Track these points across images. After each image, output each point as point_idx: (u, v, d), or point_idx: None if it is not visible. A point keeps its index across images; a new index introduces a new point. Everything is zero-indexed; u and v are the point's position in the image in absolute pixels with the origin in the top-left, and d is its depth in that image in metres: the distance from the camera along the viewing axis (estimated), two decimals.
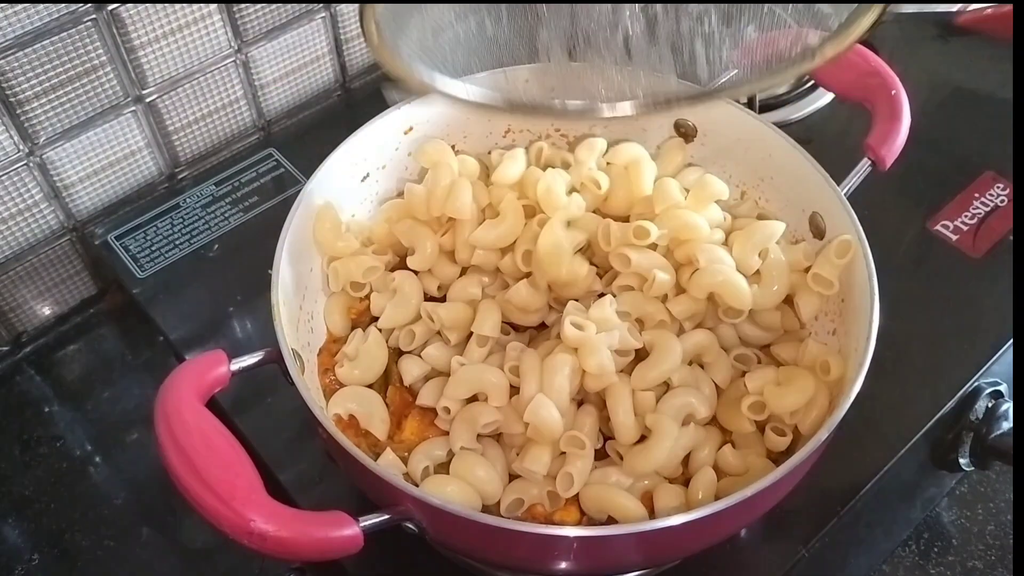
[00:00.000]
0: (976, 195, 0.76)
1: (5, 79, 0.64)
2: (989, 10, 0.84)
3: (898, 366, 0.64)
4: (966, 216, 0.75)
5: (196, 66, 0.74)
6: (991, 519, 0.71)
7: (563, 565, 0.47)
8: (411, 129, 0.62)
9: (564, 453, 0.51)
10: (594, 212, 0.59)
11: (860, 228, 0.54)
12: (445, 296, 0.59)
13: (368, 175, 0.62)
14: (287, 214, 0.55)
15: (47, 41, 0.64)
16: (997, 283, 0.70)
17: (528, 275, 0.57)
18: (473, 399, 0.53)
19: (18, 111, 0.66)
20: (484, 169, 0.63)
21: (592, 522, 0.51)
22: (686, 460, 0.53)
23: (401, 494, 0.44)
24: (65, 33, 0.65)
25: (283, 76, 0.81)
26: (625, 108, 0.44)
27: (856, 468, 0.60)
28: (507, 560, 0.51)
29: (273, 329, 0.49)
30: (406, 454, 0.53)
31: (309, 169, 0.58)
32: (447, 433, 0.53)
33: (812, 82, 0.83)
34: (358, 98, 0.87)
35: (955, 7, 0.87)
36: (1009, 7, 0.79)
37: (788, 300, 0.57)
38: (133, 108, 0.72)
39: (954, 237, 0.73)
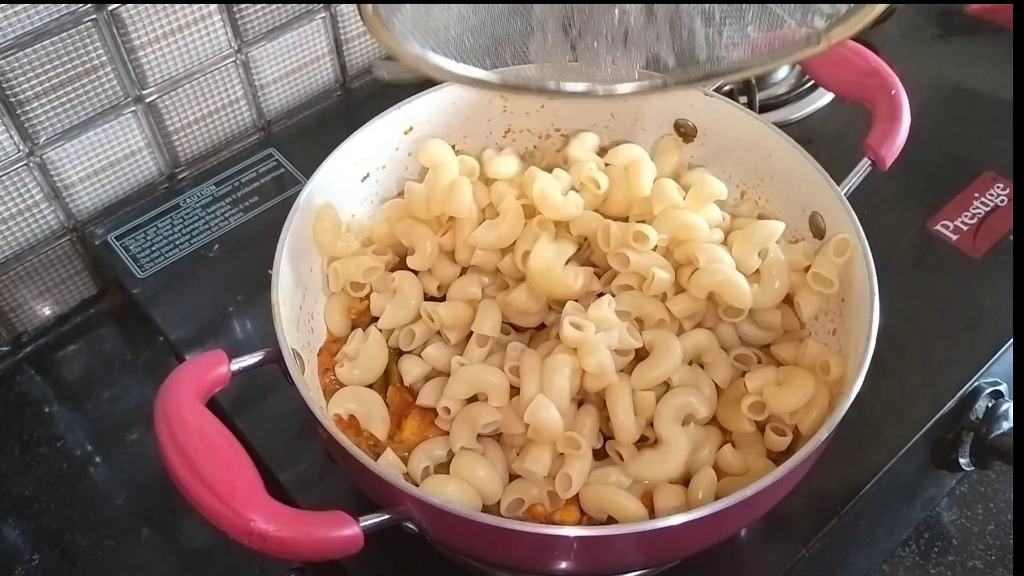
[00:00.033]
0: (976, 195, 0.76)
1: (5, 79, 0.64)
2: None
3: (898, 366, 0.64)
4: (966, 216, 0.75)
5: (196, 66, 0.74)
6: (991, 519, 0.71)
7: (563, 565, 0.47)
8: (411, 129, 0.62)
9: (564, 454, 0.51)
10: (593, 212, 0.59)
11: (860, 228, 0.54)
12: (445, 296, 0.59)
13: (368, 175, 0.62)
14: (287, 214, 0.55)
15: (47, 41, 0.64)
16: (997, 283, 0.70)
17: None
18: (473, 399, 0.53)
19: (18, 111, 0.66)
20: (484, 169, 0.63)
21: (592, 522, 0.51)
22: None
23: (401, 494, 0.44)
24: (65, 33, 0.65)
25: (283, 76, 0.81)
26: (622, 89, 0.44)
27: (856, 468, 0.60)
28: (507, 560, 0.51)
29: (273, 329, 0.49)
30: (406, 454, 0.53)
31: (309, 169, 0.58)
32: (447, 433, 0.53)
33: (812, 82, 0.83)
34: (358, 98, 0.87)
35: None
36: None
37: (788, 300, 0.57)
38: (133, 108, 0.72)
39: (954, 237, 0.73)
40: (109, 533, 0.64)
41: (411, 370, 0.56)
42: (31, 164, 0.69)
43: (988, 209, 0.75)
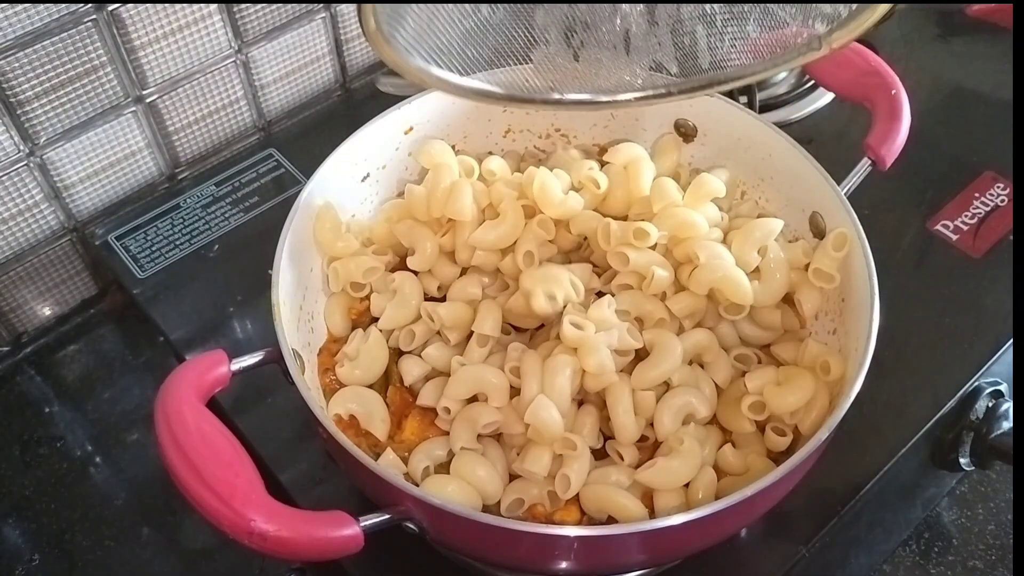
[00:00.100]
0: (976, 195, 0.76)
1: (5, 79, 0.64)
2: None
3: (898, 366, 0.64)
4: (966, 216, 0.75)
5: (196, 66, 0.74)
6: (991, 519, 0.71)
7: (563, 565, 0.47)
8: (411, 129, 0.62)
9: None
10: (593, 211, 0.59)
11: (860, 228, 0.54)
12: (445, 296, 0.59)
13: (368, 175, 0.62)
14: (287, 214, 0.55)
15: (47, 41, 0.64)
16: (997, 283, 0.70)
17: None
18: (473, 399, 0.53)
19: (18, 111, 0.66)
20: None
21: (592, 522, 0.51)
22: None
23: (401, 494, 0.44)
24: (65, 33, 0.65)
25: (283, 76, 0.81)
26: (625, 97, 0.44)
27: (856, 468, 0.60)
28: (507, 560, 0.51)
29: (273, 329, 0.49)
30: (406, 454, 0.53)
31: (309, 169, 0.58)
32: (447, 433, 0.53)
33: (812, 82, 0.83)
34: (358, 98, 0.87)
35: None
36: None
37: (788, 300, 0.58)
38: (133, 108, 0.72)
39: (954, 237, 0.73)
40: (109, 533, 0.64)
41: (411, 370, 0.56)
42: (31, 164, 0.69)
43: (988, 209, 0.75)
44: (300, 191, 0.56)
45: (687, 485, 0.51)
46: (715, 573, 0.56)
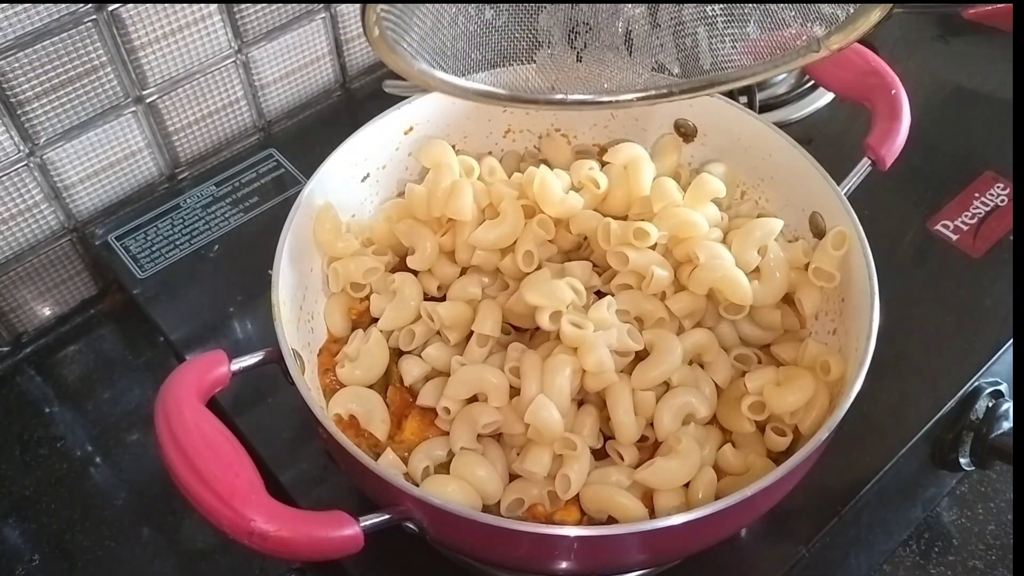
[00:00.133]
0: (976, 195, 0.76)
1: (5, 79, 0.64)
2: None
3: (898, 366, 0.64)
4: (966, 216, 0.75)
5: (196, 66, 0.74)
6: (992, 519, 0.71)
7: (563, 565, 0.47)
8: (411, 129, 0.62)
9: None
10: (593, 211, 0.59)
11: (860, 227, 0.54)
12: (445, 296, 0.59)
13: (368, 175, 0.62)
14: (287, 214, 0.55)
15: (47, 41, 0.64)
16: (997, 283, 0.70)
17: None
18: (473, 399, 0.53)
19: (18, 111, 0.66)
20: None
21: (592, 522, 0.51)
22: None
23: (401, 494, 0.44)
24: (65, 34, 0.65)
25: (283, 76, 0.81)
26: (626, 99, 0.44)
27: (856, 468, 0.60)
28: (507, 560, 0.51)
29: (273, 329, 0.49)
30: (406, 454, 0.53)
31: (309, 169, 0.58)
32: (447, 433, 0.53)
33: (812, 82, 0.83)
34: (358, 98, 0.87)
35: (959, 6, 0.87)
36: None
37: (788, 300, 0.58)
38: (133, 108, 0.72)
39: (954, 237, 0.73)
40: (109, 533, 0.64)
41: (411, 370, 0.56)
42: (31, 164, 0.69)
43: (988, 209, 0.75)
44: (300, 191, 0.56)
45: (687, 485, 0.51)
46: (715, 573, 0.56)
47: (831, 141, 0.76)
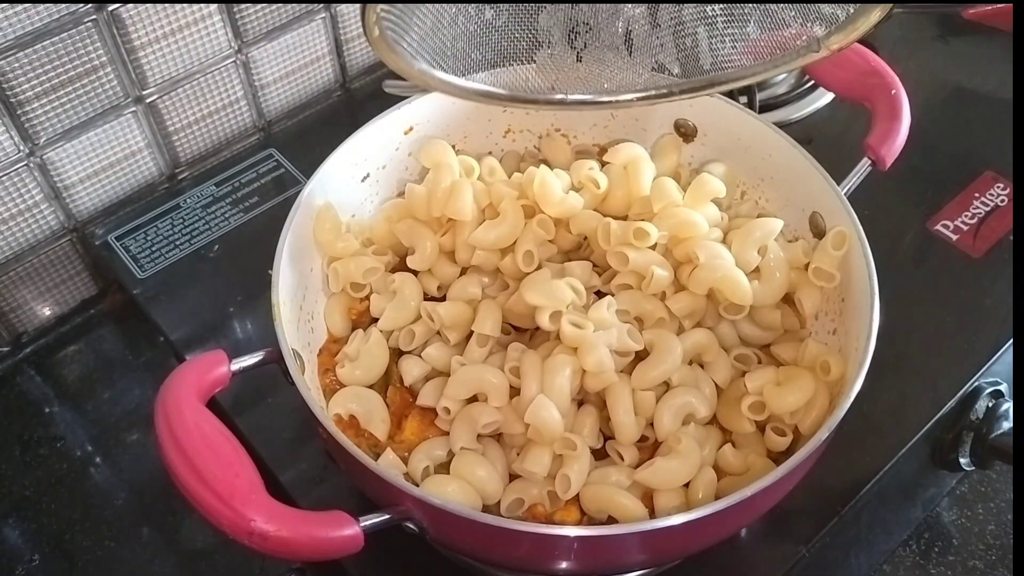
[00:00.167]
0: (976, 195, 0.76)
1: (5, 79, 0.64)
2: None
3: (898, 366, 0.64)
4: (966, 216, 0.75)
5: (196, 66, 0.74)
6: (992, 519, 0.71)
7: (563, 565, 0.47)
8: (411, 129, 0.62)
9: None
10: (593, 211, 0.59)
11: (860, 227, 0.54)
12: (445, 296, 0.59)
13: (368, 175, 0.62)
14: (287, 214, 0.55)
15: (47, 42, 0.64)
16: (997, 283, 0.70)
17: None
18: (473, 399, 0.53)
19: (18, 111, 0.66)
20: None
21: (592, 522, 0.51)
22: None
23: (401, 494, 0.44)
24: (65, 34, 0.65)
25: (283, 76, 0.81)
26: (626, 98, 0.44)
27: (856, 468, 0.60)
28: (507, 560, 0.51)
29: (273, 329, 0.49)
30: (406, 454, 0.53)
31: (309, 169, 0.58)
32: (447, 433, 0.53)
33: (812, 82, 0.83)
34: (358, 98, 0.87)
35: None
36: None
37: (788, 300, 0.58)
38: (133, 108, 0.72)
39: (954, 237, 0.73)
40: (109, 533, 0.64)
41: (411, 370, 0.56)
42: (31, 164, 0.69)
43: (988, 209, 0.75)
44: (300, 191, 0.56)
45: (687, 485, 0.51)
46: (715, 573, 0.56)
47: (831, 141, 0.76)
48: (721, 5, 0.44)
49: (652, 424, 0.53)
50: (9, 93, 0.64)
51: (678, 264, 0.56)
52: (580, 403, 0.54)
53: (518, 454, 0.52)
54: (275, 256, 0.53)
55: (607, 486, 0.51)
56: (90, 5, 0.65)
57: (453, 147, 0.63)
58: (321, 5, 0.79)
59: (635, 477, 0.50)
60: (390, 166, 0.63)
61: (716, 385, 0.55)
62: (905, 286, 0.69)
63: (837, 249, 0.55)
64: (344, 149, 0.59)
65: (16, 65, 0.63)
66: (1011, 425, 0.65)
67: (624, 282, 0.56)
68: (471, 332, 0.56)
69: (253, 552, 0.41)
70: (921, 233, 0.74)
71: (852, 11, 0.43)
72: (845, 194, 0.56)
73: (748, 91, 0.78)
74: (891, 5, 0.42)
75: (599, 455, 0.53)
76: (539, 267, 0.57)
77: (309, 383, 0.52)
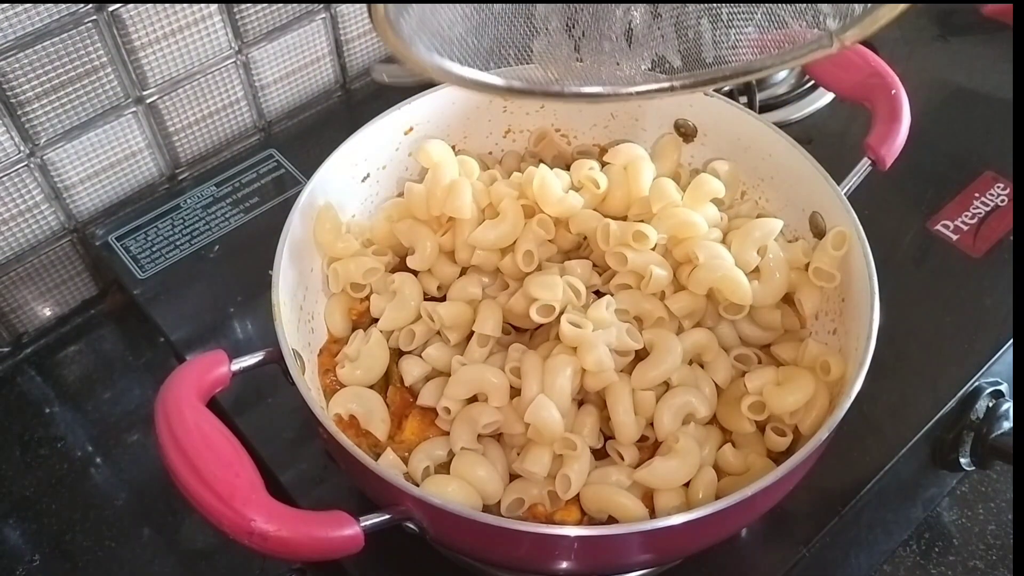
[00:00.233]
0: (976, 195, 0.76)
1: (6, 80, 0.64)
2: None
3: (898, 366, 0.64)
4: (966, 216, 0.75)
5: (196, 67, 0.74)
6: (992, 519, 0.71)
7: (564, 565, 0.47)
8: (411, 129, 0.62)
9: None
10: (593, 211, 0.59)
11: (860, 227, 0.54)
12: (445, 296, 0.59)
13: (368, 175, 0.62)
14: (287, 214, 0.55)
15: (48, 42, 0.64)
16: (997, 283, 0.70)
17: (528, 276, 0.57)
18: (473, 399, 0.53)
19: (19, 112, 0.66)
20: (484, 169, 0.63)
21: (593, 522, 0.51)
22: None
23: (401, 494, 0.44)
24: (66, 34, 0.65)
25: (283, 77, 0.81)
26: (627, 91, 0.43)
27: (856, 468, 0.60)
28: (508, 560, 0.51)
29: (273, 329, 0.50)
30: (406, 454, 0.53)
31: (309, 169, 0.58)
32: (447, 433, 0.53)
33: (812, 82, 0.83)
34: (358, 99, 0.87)
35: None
36: None
37: (788, 300, 0.58)
38: (134, 109, 0.72)
39: (954, 237, 0.73)
40: (110, 534, 0.64)
41: (411, 370, 0.56)
42: (32, 165, 0.69)
43: (988, 209, 0.75)
44: (300, 191, 0.56)
45: (687, 485, 0.51)
46: (715, 573, 0.56)
47: (831, 141, 0.77)
48: (730, 2, 0.43)
49: (652, 424, 0.53)
50: (9, 93, 0.64)
51: (678, 264, 0.56)
52: (580, 403, 0.54)
53: (518, 454, 0.52)
54: (275, 256, 0.53)
55: (607, 486, 0.51)
56: (90, 5, 0.65)
57: (453, 147, 0.63)
58: (321, 5, 0.79)
59: (635, 477, 0.50)
60: (390, 166, 0.63)
61: (716, 385, 0.55)
62: (905, 286, 0.69)
63: (837, 249, 0.55)
64: (344, 149, 0.59)
65: (16, 65, 0.63)
66: (1011, 425, 0.65)
67: (623, 282, 0.56)
68: (471, 332, 0.56)
69: (253, 552, 0.41)
70: (921, 233, 0.74)
71: (868, 5, 0.43)
72: (845, 194, 0.56)
73: (748, 91, 0.78)
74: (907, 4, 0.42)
75: (599, 455, 0.53)
76: (539, 267, 0.57)
77: (309, 383, 0.52)
